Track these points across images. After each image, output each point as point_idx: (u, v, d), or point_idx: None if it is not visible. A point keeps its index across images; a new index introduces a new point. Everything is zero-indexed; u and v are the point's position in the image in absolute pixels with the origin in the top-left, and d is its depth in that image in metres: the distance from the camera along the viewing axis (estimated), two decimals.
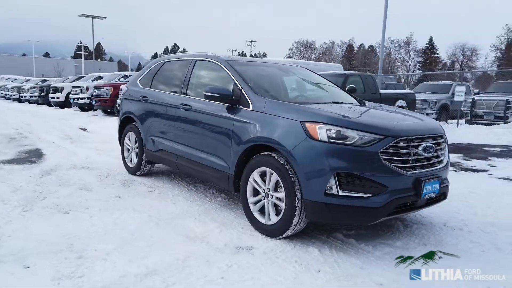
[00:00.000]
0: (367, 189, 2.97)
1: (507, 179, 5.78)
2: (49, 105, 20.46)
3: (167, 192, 4.66)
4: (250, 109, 3.60)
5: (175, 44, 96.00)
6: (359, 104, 4.20)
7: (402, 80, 50.23)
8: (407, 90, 15.94)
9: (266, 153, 3.39)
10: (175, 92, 4.65)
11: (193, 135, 4.25)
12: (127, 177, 5.32)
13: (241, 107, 3.70)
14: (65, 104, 18.70)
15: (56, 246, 3.10)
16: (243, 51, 79.47)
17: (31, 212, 3.85)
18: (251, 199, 3.55)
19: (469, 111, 13.32)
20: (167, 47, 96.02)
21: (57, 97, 18.91)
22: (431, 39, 69.31)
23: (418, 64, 71.04)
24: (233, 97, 3.74)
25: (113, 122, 12.32)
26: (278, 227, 3.28)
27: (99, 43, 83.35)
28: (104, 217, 3.76)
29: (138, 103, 5.23)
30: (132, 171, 5.42)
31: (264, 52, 78.13)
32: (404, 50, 66.86)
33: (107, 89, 14.61)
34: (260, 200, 3.48)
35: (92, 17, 34.70)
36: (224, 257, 2.99)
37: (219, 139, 3.86)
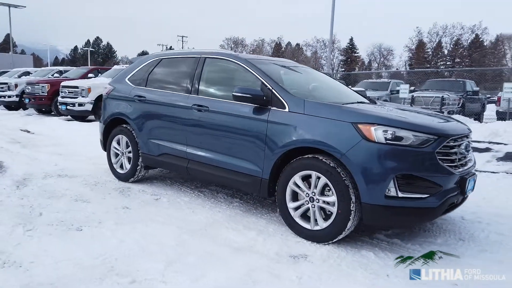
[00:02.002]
0: (425, 189, 3.00)
1: None
2: None
3: (176, 200, 4.33)
4: (287, 110, 3.46)
5: (98, 37, 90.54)
6: (379, 104, 4.25)
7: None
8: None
9: (310, 156, 3.29)
10: (182, 92, 4.33)
11: (211, 138, 3.99)
12: (120, 185, 4.86)
13: (274, 108, 3.54)
14: None
15: (96, 270, 2.72)
16: (171, 46, 77.44)
17: (36, 231, 3.35)
18: (291, 204, 3.42)
19: None
20: (88, 40, 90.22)
21: None
22: (351, 39, 73.24)
23: (341, 63, 74.71)
24: (264, 98, 3.57)
25: (57, 122, 11.32)
26: (328, 232, 3.20)
27: (8, 34, 75.76)
28: (128, 232, 3.38)
29: (132, 103, 4.79)
30: (124, 177, 4.96)
31: (194, 48, 76.78)
32: (329, 49, 69.82)
33: (43, 86, 13.30)
34: (302, 205, 3.37)
35: (9, 5, 31.28)
36: (287, 268, 2.85)
37: (248, 142, 3.67)
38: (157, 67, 4.78)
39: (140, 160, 4.77)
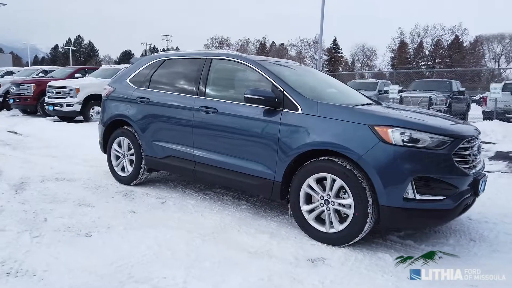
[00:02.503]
0: (442, 191, 3.02)
1: None
2: None
3: (183, 203, 4.26)
4: (300, 112, 3.44)
5: (79, 36, 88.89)
6: (385, 105, 4.26)
7: None
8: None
9: (325, 158, 3.27)
10: (188, 93, 4.26)
11: (220, 140, 3.94)
12: (122, 188, 4.76)
13: (286, 110, 3.51)
14: None
15: (113, 278, 2.64)
16: (154, 45, 76.72)
17: (44, 238, 3.24)
18: (305, 207, 3.40)
19: None
20: (69, 39, 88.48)
21: None
22: (335, 39, 73.85)
23: (325, 63, 75.28)
24: (276, 100, 3.54)
25: (45, 123, 11.08)
26: (344, 235, 3.18)
27: None
28: (139, 237, 3.31)
29: (134, 105, 4.69)
30: (126, 180, 4.86)
31: (177, 47, 75.96)
32: (314, 49, 70.31)
33: (28, 86, 12.97)
34: (316, 208, 3.35)
35: None
36: (307, 272, 2.82)
37: (259, 144, 3.63)
38: (161, 68, 4.70)
39: (143, 162, 4.67)
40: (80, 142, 8.08)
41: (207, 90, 4.14)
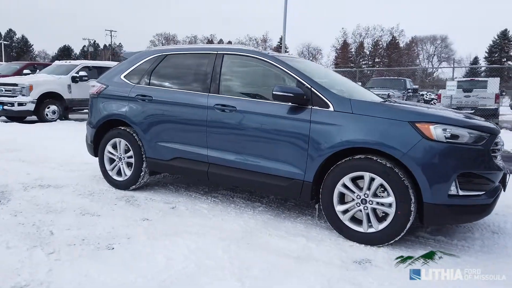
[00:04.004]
0: (481, 186, 3.06)
1: None
2: None
3: (195, 207, 4.00)
4: (332, 109, 3.33)
5: (11, 30, 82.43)
6: (397, 102, 4.27)
7: None
8: None
9: (362, 156, 3.19)
10: (198, 91, 4.00)
11: (239, 140, 3.73)
12: (121, 193, 4.39)
13: (316, 107, 3.39)
14: None
15: None
16: (95, 41, 73.14)
17: (61, 253, 2.87)
18: (339, 208, 3.30)
19: None
20: None
21: None
22: (281, 38, 74.88)
23: None
24: (305, 97, 3.41)
25: None
26: (385, 234, 3.13)
27: None
28: (169, 247, 3.03)
29: (134, 103, 4.33)
30: (123, 185, 4.48)
31: (120, 43, 73.13)
32: (262, 47, 70.80)
33: None
34: (352, 208, 3.27)
35: None
36: (362, 275, 2.72)
37: (287, 143, 3.47)
38: (162, 64, 4.37)
39: (144, 165, 4.34)
40: (45, 145, 7.43)
41: (221, 87, 3.91)
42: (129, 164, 4.48)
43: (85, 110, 13.05)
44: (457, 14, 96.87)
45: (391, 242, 3.15)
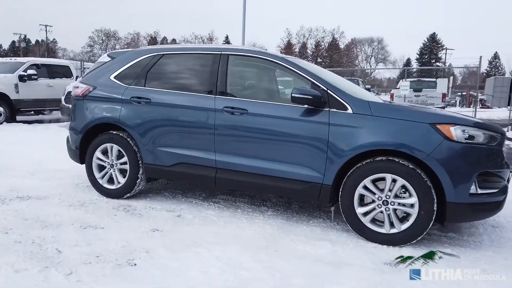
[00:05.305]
0: (495, 184, 3.21)
1: None
2: None
3: (201, 215, 3.82)
4: (351, 112, 3.33)
5: None
6: (390, 102, 4.38)
7: None
8: None
9: (383, 158, 3.22)
10: (203, 93, 3.82)
11: (252, 144, 3.61)
12: (115, 203, 4.08)
13: (334, 110, 3.37)
14: None
15: None
16: (25, 36, 68.11)
17: (80, 274, 2.60)
18: (360, 210, 3.31)
19: None
20: None
21: None
22: (227, 37, 74.67)
23: None
24: (322, 99, 3.38)
25: None
26: (407, 234, 3.18)
27: None
28: (195, 259, 2.86)
29: (128, 106, 4.04)
30: (116, 193, 4.17)
31: (54, 39, 68.70)
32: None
33: None
34: (373, 210, 3.29)
35: None
36: (401, 277, 2.74)
37: (304, 146, 3.42)
38: (158, 64, 4.12)
39: (141, 172, 4.07)
40: (2, 150, 6.76)
41: (229, 90, 3.76)
42: (121, 171, 4.18)
43: (32, 112, 12.13)
44: (391, 18, 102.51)
45: (413, 241, 3.21)
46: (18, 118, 11.48)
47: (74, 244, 3.04)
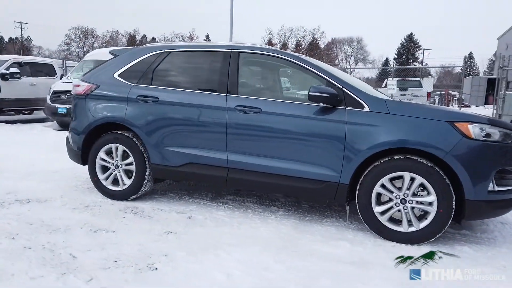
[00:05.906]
0: (510, 181, 3.24)
1: None
2: None
3: (212, 216, 3.73)
4: (368, 110, 3.30)
5: None
6: (400, 100, 4.38)
7: None
8: None
9: (402, 156, 3.21)
10: (213, 91, 3.74)
11: (266, 143, 3.54)
12: (121, 205, 3.94)
13: (350, 108, 3.34)
14: None
15: None
16: None
17: (101, 280, 2.49)
18: (377, 209, 3.29)
19: None
20: None
21: None
22: (207, 36, 74.21)
23: None
24: (338, 97, 3.35)
25: None
26: (426, 233, 3.18)
27: None
28: (216, 262, 2.78)
29: (134, 105, 3.91)
30: (122, 195, 4.04)
31: (29, 36, 66.60)
32: None
33: None
34: (391, 208, 3.27)
35: None
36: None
37: (321, 145, 3.38)
38: (165, 62, 4.01)
39: (148, 172, 3.95)
40: None
41: (241, 88, 3.69)
42: (127, 172, 4.06)
43: (12, 112, 11.74)
44: (370, 18, 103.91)
45: (432, 240, 3.21)
46: (0, 118, 11.08)
47: (87, 249, 2.92)
